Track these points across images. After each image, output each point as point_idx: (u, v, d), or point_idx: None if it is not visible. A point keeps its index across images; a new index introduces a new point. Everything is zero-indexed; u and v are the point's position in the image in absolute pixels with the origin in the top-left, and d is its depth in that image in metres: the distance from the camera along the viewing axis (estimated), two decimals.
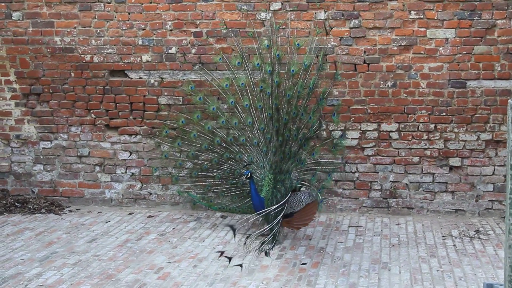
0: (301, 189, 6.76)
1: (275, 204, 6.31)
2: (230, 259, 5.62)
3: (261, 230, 6.17)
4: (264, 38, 7.40)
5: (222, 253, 5.83)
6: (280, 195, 6.46)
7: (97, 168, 8.14)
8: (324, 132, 7.59)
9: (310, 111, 6.68)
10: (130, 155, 8.04)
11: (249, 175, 6.40)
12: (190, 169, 7.26)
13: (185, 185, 7.47)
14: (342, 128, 7.59)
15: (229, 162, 6.94)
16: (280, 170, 6.54)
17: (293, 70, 6.71)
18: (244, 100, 6.83)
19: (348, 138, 7.57)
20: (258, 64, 6.85)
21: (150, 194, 8.07)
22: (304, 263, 6.02)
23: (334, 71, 7.34)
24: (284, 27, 7.45)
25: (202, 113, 7.20)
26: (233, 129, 6.97)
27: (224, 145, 6.95)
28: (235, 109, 6.94)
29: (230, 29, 7.62)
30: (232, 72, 7.03)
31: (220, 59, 7.30)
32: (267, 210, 6.23)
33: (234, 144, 6.91)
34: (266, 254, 5.99)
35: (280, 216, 6.22)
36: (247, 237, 5.87)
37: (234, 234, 6.05)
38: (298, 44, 6.98)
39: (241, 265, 5.66)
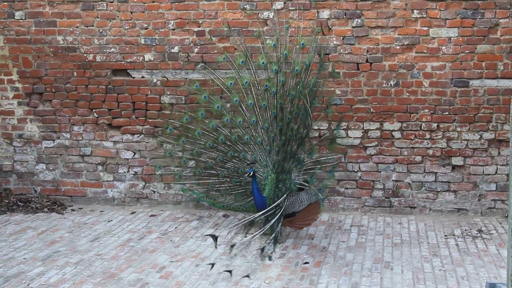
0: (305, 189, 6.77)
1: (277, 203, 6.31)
2: (231, 272, 5.40)
3: (253, 235, 5.93)
4: (267, 37, 7.41)
5: (213, 265, 5.72)
6: (282, 194, 6.45)
7: (100, 167, 8.14)
8: (327, 130, 7.60)
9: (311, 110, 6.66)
10: (134, 154, 8.04)
11: (251, 174, 6.40)
12: (194, 167, 7.24)
13: (188, 183, 7.45)
14: (344, 126, 7.59)
15: (233, 160, 6.93)
16: (282, 170, 6.54)
17: (297, 70, 6.70)
18: (248, 99, 6.82)
19: (342, 132, 7.55)
20: (263, 63, 6.84)
21: (154, 192, 8.07)
22: (306, 262, 6.02)
23: (337, 70, 7.37)
24: (287, 26, 7.43)
25: (206, 111, 7.17)
26: (237, 127, 6.95)
27: (228, 143, 6.94)
28: (239, 108, 6.93)
29: (233, 28, 7.62)
30: (236, 71, 7.01)
31: (224, 58, 7.30)
32: (264, 211, 6.17)
33: (238, 143, 6.90)
34: (270, 258, 5.86)
35: (276, 217, 6.17)
36: (232, 246, 5.51)
37: (216, 243, 5.84)
38: (302, 43, 6.96)
39: (248, 275, 5.52)
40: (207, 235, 6.69)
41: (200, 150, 7.04)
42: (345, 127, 7.62)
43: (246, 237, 6.20)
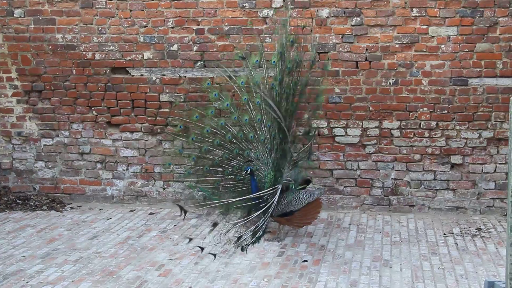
0: (307, 187, 6.78)
1: (275, 201, 6.32)
2: (202, 249, 5.78)
3: (235, 221, 6.18)
4: (266, 35, 7.41)
5: (190, 239, 6.16)
6: (275, 191, 6.46)
7: (99, 165, 8.14)
8: (326, 130, 7.61)
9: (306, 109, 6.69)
10: (145, 152, 8.00)
11: (249, 171, 6.41)
12: (203, 164, 7.16)
13: (193, 180, 7.36)
14: (343, 125, 7.59)
15: (238, 158, 6.91)
16: (279, 167, 6.54)
17: (289, 67, 6.65)
18: (256, 97, 6.77)
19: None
20: (274, 62, 6.79)
21: (160, 190, 8.05)
22: (305, 261, 6.02)
23: (336, 68, 7.35)
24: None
25: (204, 110, 7.11)
26: (241, 125, 6.90)
27: (235, 141, 6.90)
28: (247, 106, 6.87)
29: (232, 26, 7.62)
30: (249, 70, 6.93)
31: (240, 56, 7.22)
32: (242, 198, 6.28)
33: (243, 141, 6.87)
34: (242, 249, 5.96)
35: (260, 211, 6.20)
36: (214, 224, 5.94)
37: (185, 213, 6.03)
38: (291, 40, 6.89)
39: (215, 255, 5.72)
40: (176, 203, 6.75)
41: (208, 147, 7.00)
42: (344, 125, 7.63)
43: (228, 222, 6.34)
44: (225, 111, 7.04)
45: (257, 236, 6.16)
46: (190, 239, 6.27)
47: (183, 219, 6.23)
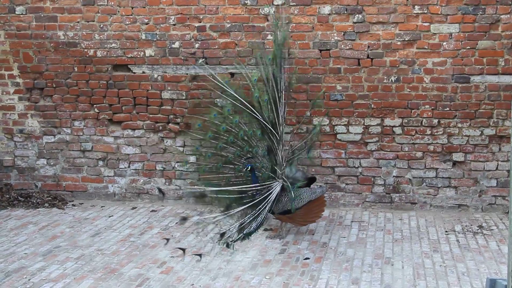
0: (311, 186, 6.79)
1: (271, 198, 6.32)
2: (184, 250, 5.81)
3: (212, 216, 6.18)
4: (267, 32, 7.40)
5: (168, 240, 6.26)
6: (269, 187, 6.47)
7: (100, 163, 8.15)
8: (328, 127, 7.61)
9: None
10: (160, 152, 7.99)
11: (249, 168, 6.42)
12: (216, 161, 7.15)
13: (205, 177, 7.34)
14: (345, 122, 7.59)
15: (247, 155, 6.91)
16: (272, 164, 6.55)
17: (279, 62, 6.64)
18: (265, 95, 6.75)
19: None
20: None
21: (163, 188, 8.03)
22: (307, 258, 6.03)
23: (338, 66, 7.34)
24: (287, 21, 7.42)
25: (222, 108, 7.08)
26: (253, 123, 6.87)
27: (246, 138, 6.89)
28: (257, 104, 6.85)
29: (233, 23, 7.62)
30: (265, 67, 6.89)
31: (259, 54, 7.14)
32: (216, 189, 6.31)
33: (253, 138, 6.86)
34: (228, 246, 5.92)
35: (242, 207, 6.19)
36: (183, 219, 6.17)
37: (163, 194, 6.18)
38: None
39: (200, 255, 5.80)
40: (156, 187, 6.77)
41: (222, 144, 6.97)
42: (346, 123, 7.62)
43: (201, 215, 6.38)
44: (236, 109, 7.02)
45: (244, 232, 6.14)
46: (167, 240, 6.29)
47: (161, 200, 6.38)
